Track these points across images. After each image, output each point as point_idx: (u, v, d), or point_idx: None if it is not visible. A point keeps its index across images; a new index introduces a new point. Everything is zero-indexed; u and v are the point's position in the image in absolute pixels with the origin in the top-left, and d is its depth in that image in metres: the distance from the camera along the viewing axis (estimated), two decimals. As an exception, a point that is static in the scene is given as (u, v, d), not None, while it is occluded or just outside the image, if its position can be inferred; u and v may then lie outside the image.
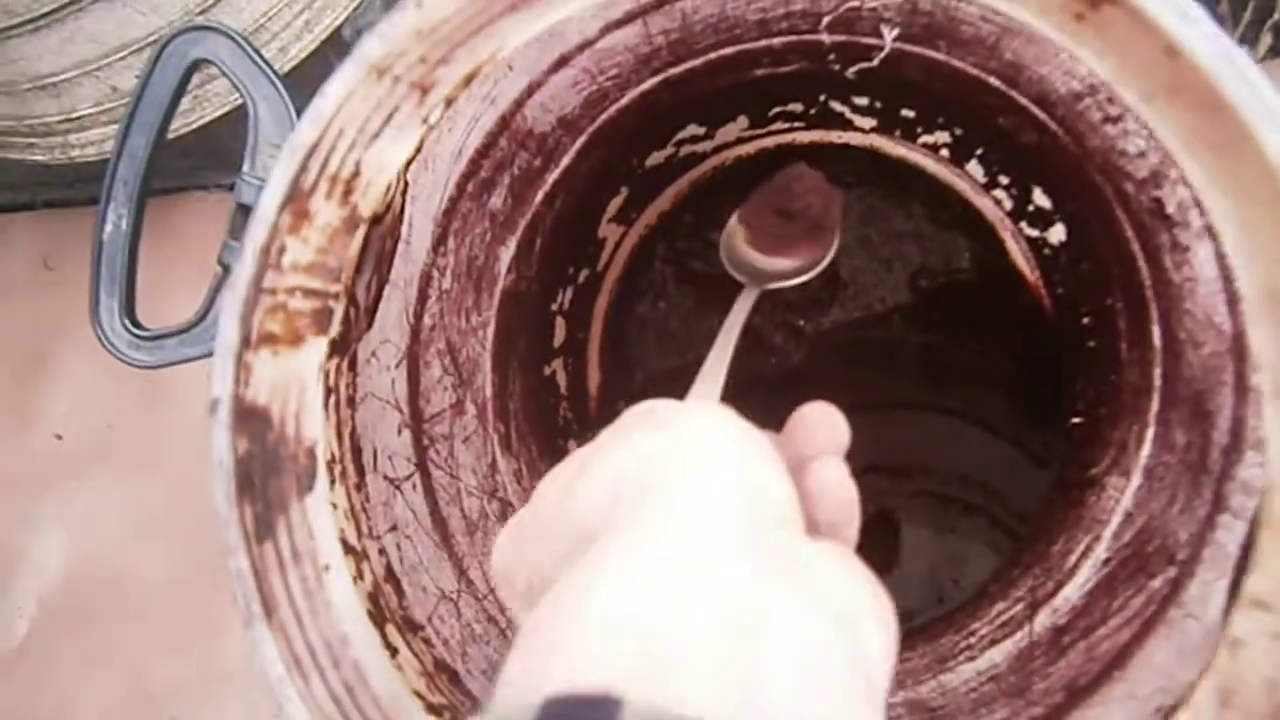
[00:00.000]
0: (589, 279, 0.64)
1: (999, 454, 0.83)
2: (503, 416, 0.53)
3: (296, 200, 0.25)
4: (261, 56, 0.31)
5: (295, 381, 0.27)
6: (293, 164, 0.25)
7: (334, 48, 0.66)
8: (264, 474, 0.27)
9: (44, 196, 0.89)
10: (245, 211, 0.31)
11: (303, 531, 0.27)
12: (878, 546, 0.80)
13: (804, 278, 0.54)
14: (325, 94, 0.26)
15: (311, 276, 0.27)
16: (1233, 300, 0.36)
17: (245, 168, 0.32)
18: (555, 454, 0.60)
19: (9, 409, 0.87)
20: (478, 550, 0.44)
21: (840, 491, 0.27)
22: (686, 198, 0.66)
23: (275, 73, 0.31)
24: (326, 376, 0.28)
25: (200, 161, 0.85)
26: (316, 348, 0.27)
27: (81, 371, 0.86)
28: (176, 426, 0.82)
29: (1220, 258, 0.36)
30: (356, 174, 0.26)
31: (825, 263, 0.55)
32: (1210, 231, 0.36)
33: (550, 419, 0.61)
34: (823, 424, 0.29)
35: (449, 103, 0.27)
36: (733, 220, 0.58)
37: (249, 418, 0.26)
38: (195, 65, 0.33)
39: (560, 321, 0.61)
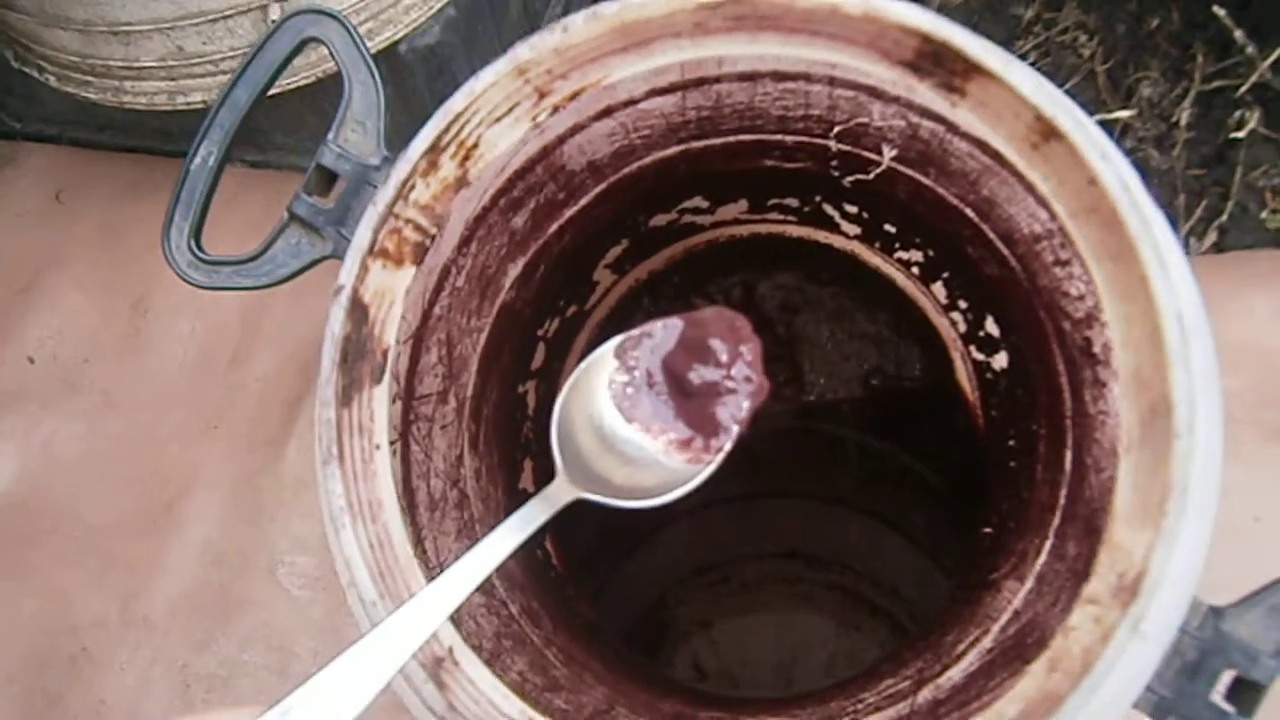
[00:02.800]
0: (575, 315, 0.69)
1: (914, 563, 0.88)
2: (475, 418, 0.57)
3: (433, 152, 0.31)
4: (365, 45, 0.36)
5: (389, 294, 0.32)
6: (442, 123, 0.31)
7: (387, 61, 0.71)
8: (355, 356, 0.32)
9: (71, 134, 0.93)
10: (322, 171, 0.36)
11: (367, 412, 0.32)
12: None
13: (649, 502, 0.42)
14: (480, 77, 0.32)
15: (422, 214, 0.32)
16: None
17: (330, 136, 0.36)
18: (512, 466, 0.64)
19: (-13, 325, 0.89)
20: (435, 528, 0.48)
21: None
22: (679, 261, 0.72)
23: (373, 61, 0.36)
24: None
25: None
26: (408, 273, 0.32)
27: (67, 304, 0.89)
28: (149, 374, 0.85)
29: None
30: (476, 145, 0.31)
31: (690, 485, 0.43)
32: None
33: (514, 434, 0.65)
34: None
35: (555, 110, 0.32)
36: (601, 350, 0.46)
37: (356, 308, 0.31)
38: (307, 41, 0.38)
39: (542, 347, 0.66)
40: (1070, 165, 0.31)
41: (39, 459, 0.83)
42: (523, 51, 0.34)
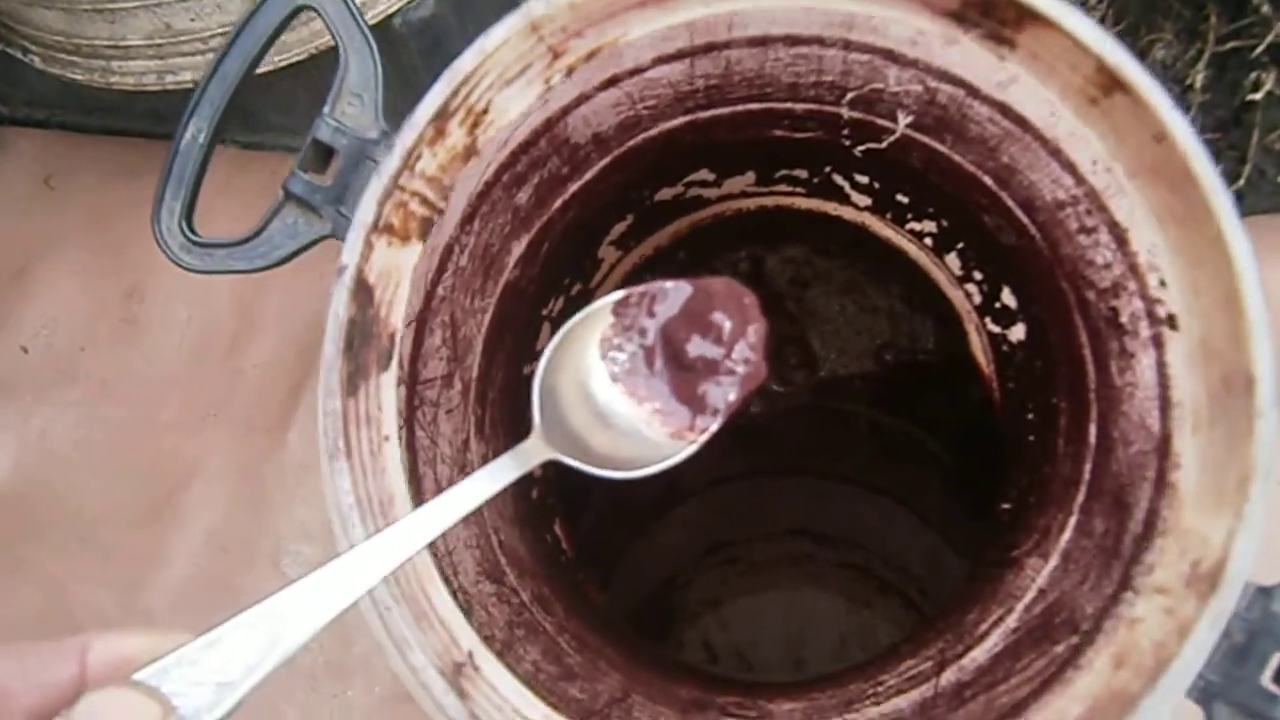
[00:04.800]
0: (580, 293, 0.67)
1: (925, 541, 0.87)
2: (481, 401, 0.56)
3: (441, 119, 0.29)
4: (360, 13, 0.35)
5: (395, 273, 0.30)
6: (449, 87, 0.29)
7: (381, 35, 0.69)
8: (360, 341, 0.30)
9: (59, 118, 0.91)
10: (318, 146, 0.34)
11: (375, 401, 0.30)
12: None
13: (623, 474, 0.39)
14: (491, 35, 0.30)
15: (429, 187, 0.30)
16: (1165, 406, 0.41)
17: (326, 110, 0.35)
18: (518, 450, 0.63)
19: (-23, 314, 0.87)
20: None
21: None
22: (684, 236, 0.70)
23: (369, 30, 0.35)
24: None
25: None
26: (414, 250, 0.30)
27: (60, 292, 0.87)
28: (145, 363, 0.83)
29: (1161, 366, 0.41)
30: (486, 111, 0.30)
31: (667, 463, 0.41)
32: (1156, 341, 0.40)
33: (520, 416, 0.64)
34: None
35: (569, 71, 0.31)
36: (600, 303, 0.43)
37: (360, 289, 0.30)
38: (298, 10, 0.36)
39: (547, 326, 0.64)
40: (1134, 121, 0.29)
41: (35, 450, 0.82)
42: (537, 6, 0.31)
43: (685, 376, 0.43)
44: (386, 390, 0.31)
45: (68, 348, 0.85)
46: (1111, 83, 0.32)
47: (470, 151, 0.32)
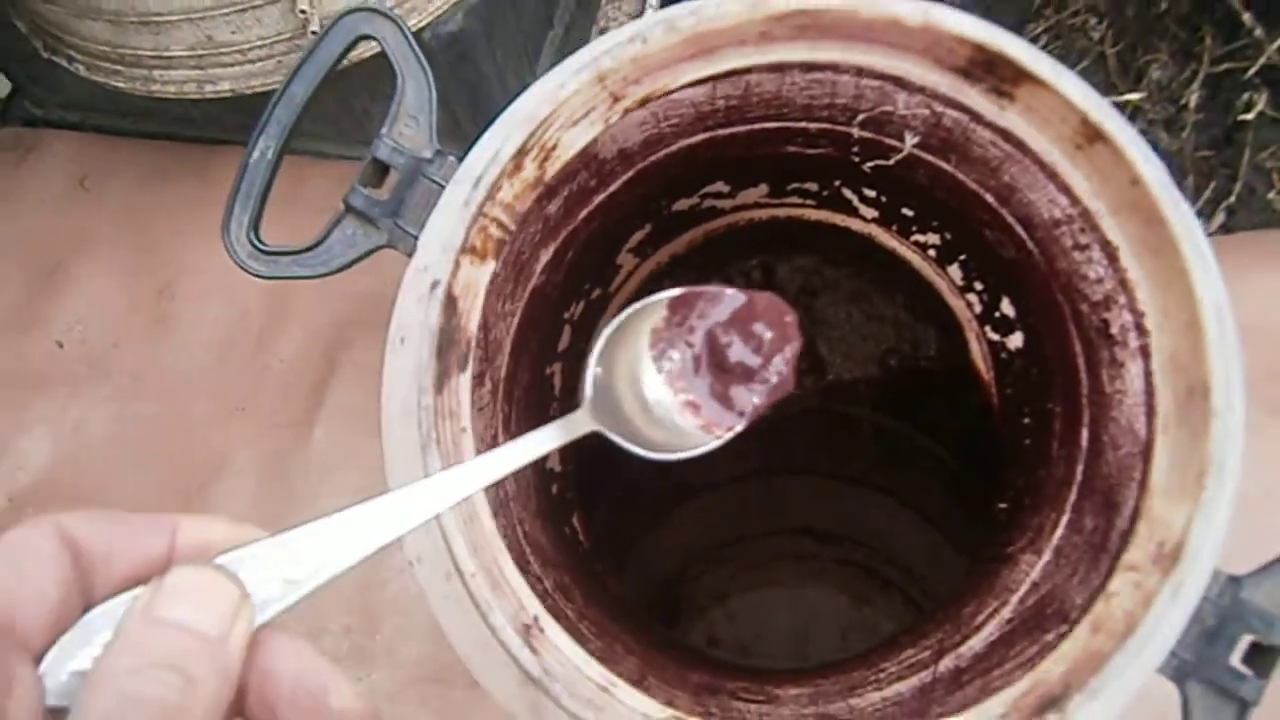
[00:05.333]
0: (599, 297, 0.70)
1: (927, 539, 0.90)
2: (509, 399, 0.59)
3: (520, 155, 0.32)
4: (418, 43, 0.38)
5: (474, 287, 0.33)
6: (528, 128, 0.33)
7: (413, 47, 0.72)
8: (446, 346, 0.33)
9: (94, 121, 0.94)
10: (376, 164, 0.37)
11: (455, 398, 0.34)
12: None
13: (652, 454, 0.42)
14: (565, 85, 0.33)
15: (505, 213, 0.34)
16: (1151, 412, 0.44)
17: (384, 130, 0.38)
18: (540, 446, 0.66)
19: (15, 309, 0.90)
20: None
21: None
22: (699, 245, 0.73)
23: (426, 58, 0.38)
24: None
25: (247, 120, 0.91)
26: (489, 268, 0.34)
27: (95, 289, 0.90)
28: (177, 358, 0.86)
29: (1148, 375, 0.44)
30: (555, 147, 0.33)
31: (689, 454, 0.44)
32: (1143, 351, 0.43)
33: (542, 414, 0.67)
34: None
35: (625, 112, 0.34)
36: (657, 297, 0.46)
37: (449, 303, 0.33)
38: (360, 39, 0.39)
39: (568, 329, 0.67)
40: (1113, 166, 0.34)
41: (70, 443, 0.85)
42: (605, 62, 0.35)
43: (722, 377, 0.46)
44: (464, 389, 0.35)
45: (101, 343, 0.89)
46: (1095, 134, 0.37)
47: (539, 181, 0.35)
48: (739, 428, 0.46)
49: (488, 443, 0.55)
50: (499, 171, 0.34)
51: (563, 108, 0.36)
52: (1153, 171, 0.33)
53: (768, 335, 0.47)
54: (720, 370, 0.46)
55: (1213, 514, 0.33)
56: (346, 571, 0.28)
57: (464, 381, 0.36)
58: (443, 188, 0.40)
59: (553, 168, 0.36)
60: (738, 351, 0.46)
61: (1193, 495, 0.35)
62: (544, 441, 0.37)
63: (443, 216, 0.35)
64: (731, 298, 0.47)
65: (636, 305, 0.45)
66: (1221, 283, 0.34)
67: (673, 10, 0.40)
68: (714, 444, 0.45)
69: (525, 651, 0.33)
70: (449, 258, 0.33)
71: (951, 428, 0.75)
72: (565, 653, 0.36)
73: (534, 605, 0.36)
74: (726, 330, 0.47)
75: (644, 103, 0.37)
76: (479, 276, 0.36)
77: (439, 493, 0.30)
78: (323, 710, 0.26)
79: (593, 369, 0.42)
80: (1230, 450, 0.35)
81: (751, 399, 0.46)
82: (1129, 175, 0.34)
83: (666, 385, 0.46)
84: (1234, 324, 0.35)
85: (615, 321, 0.44)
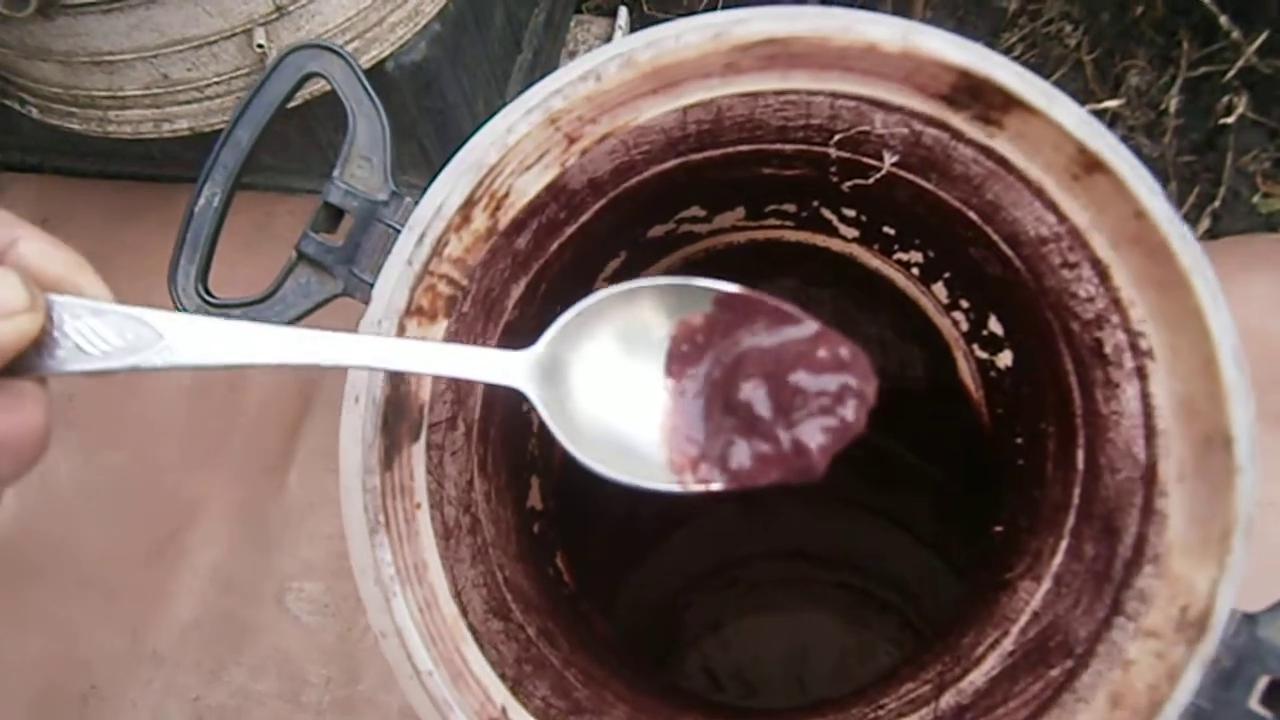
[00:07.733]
0: (576, 329, 0.68)
1: (921, 560, 0.89)
2: (484, 440, 0.57)
3: (468, 206, 0.30)
4: (381, 73, 0.36)
5: None
6: (475, 177, 0.30)
7: (377, 79, 0.70)
8: (395, 417, 0.31)
9: (54, 163, 0.92)
10: (329, 209, 0.35)
11: (407, 471, 0.32)
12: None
13: (596, 466, 0.31)
14: (514, 130, 0.31)
15: (455, 268, 0.31)
16: (1150, 434, 0.42)
17: (336, 173, 0.36)
18: (519, 485, 0.64)
19: (-25, 361, 0.87)
20: (451, 556, 0.48)
21: None
22: (677, 271, 0.71)
23: (376, 96, 0.36)
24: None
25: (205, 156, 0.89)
26: (441, 327, 0.32)
27: (58, 336, 0.88)
28: (145, 404, 0.84)
29: (1145, 396, 0.42)
30: (506, 194, 0.31)
31: (651, 484, 0.33)
32: (1140, 373, 0.42)
33: (520, 452, 0.65)
34: None
35: (583, 153, 0.32)
36: (705, 282, 0.35)
37: (395, 371, 0.31)
38: (308, 77, 0.37)
39: (544, 363, 0.65)
40: (1114, 197, 0.32)
41: (36, 494, 0.82)
42: (556, 102, 0.33)
43: (724, 420, 0.34)
44: (418, 460, 0.33)
45: (67, 390, 0.86)
46: (1093, 164, 0.34)
47: (492, 231, 0.33)
48: (714, 487, 0.33)
49: (462, 487, 0.53)
50: (444, 226, 0.32)
51: (512, 154, 0.33)
52: (1159, 205, 0.31)
53: (816, 400, 0.34)
54: (724, 406, 0.34)
55: (1238, 575, 0.31)
56: (149, 370, 0.27)
57: (417, 452, 0.33)
58: (399, 231, 0.38)
59: (506, 216, 0.34)
60: (759, 403, 0.33)
61: (1217, 557, 0.32)
62: (458, 364, 0.29)
63: (393, 270, 0.33)
64: (802, 325, 0.35)
65: (676, 279, 0.34)
66: (1231, 320, 0.32)
67: (628, 42, 0.37)
68: (667, 487, 0.33)
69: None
70: (392, 322, 0.31)
71: (943, 448, 0.73)
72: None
73: (501, 694, 0.33)
74: (761, 365, 0.34)
75: (603, 139, 0.34)
76: (429, 336, 0.33)
77: (300, 343, 0.29)
78: None
79: (573, 313, 0.33)
80: (1253, 505, 0.32)
81: (749, 469, 0.33)
82: (1132, 208, 0.31)
83: (662, 394, 0.34)
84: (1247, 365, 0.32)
85: (645, 280, 0.34)
